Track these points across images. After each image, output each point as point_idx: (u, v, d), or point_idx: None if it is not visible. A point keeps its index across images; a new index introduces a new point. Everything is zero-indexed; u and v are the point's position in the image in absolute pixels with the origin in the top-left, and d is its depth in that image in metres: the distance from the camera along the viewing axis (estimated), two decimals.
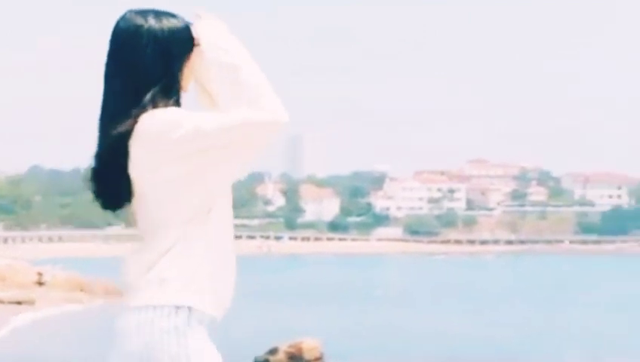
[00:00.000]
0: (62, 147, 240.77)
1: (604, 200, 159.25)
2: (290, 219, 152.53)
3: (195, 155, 3.06)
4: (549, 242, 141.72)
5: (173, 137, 3.04)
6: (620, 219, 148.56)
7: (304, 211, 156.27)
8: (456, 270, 79.39)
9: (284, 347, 20.74)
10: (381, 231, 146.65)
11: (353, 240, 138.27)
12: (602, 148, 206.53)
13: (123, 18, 3.20)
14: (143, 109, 3.10)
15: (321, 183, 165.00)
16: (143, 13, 3.21)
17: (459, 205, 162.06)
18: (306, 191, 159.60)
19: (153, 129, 3.06)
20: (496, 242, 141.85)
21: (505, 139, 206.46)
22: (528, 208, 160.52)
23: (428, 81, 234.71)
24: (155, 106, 3.11)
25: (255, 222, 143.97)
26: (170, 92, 3.17)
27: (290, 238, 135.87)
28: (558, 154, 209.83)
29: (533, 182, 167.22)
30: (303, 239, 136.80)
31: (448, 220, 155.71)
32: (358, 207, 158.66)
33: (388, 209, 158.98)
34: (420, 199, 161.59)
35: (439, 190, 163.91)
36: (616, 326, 32.71)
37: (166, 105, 3.12)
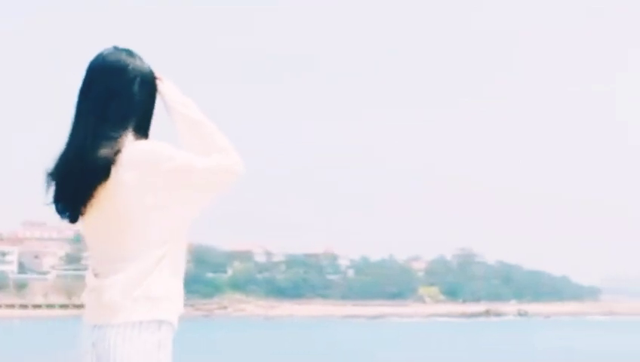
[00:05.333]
0: None
1: None
2: None
3: (178, 188, 3.34)
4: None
5: (164, 168, 3.31)
6: None
7: None
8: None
9: None
10: None
11: None
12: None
13: (109, 52, 3.46)
14: (126, 136, 3.34)
15: None
16: (127, 51, 3.48)
17: (11, 268, 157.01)
18: None
19: (147, 157, 3.32)
20: (50, 306, 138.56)
21: None
22: (83, 272, 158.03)
23: None
24: (137, 134, 3.39)
25: None
26: (148, 125, 3.48)
27: None
28: None
29: None
30: None
31: None
32: None
33: None
34: None
35: None
36: None
37: (144, 137, 3.43)
